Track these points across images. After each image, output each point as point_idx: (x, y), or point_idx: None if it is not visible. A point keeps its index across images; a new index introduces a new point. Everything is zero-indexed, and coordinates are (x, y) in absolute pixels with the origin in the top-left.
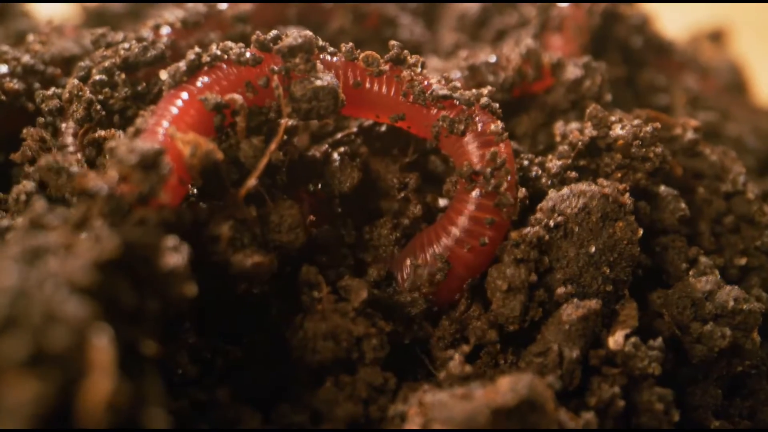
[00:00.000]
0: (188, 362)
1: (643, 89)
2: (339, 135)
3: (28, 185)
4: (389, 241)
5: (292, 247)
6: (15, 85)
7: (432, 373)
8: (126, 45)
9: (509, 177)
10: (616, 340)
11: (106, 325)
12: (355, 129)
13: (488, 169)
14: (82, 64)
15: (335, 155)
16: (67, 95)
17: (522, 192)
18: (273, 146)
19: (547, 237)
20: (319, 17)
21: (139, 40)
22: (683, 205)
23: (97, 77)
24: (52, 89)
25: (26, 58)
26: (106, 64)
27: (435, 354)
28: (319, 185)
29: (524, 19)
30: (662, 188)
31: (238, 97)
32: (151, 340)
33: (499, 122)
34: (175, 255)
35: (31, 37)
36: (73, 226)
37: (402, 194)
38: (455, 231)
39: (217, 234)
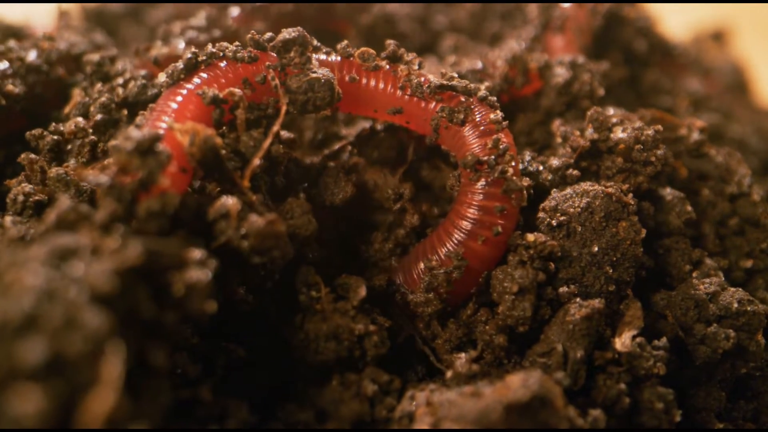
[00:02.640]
0: (189, 362)
1: (645, 90)
2: (336, 146)
3: (27, 187)
4: (384, 254)
5: (304, 233)
6: (16, 88)
7: (435, 372)
8: (122, 80)
9: (513, 163)
10: (623, 341)
11: (120, 340)
12: (351, 138)
13: (492, 156)
14: (80, 100)
15: (330, 165)
16: (71, 128)
17: (526, 181)
18: (275, 128)
19: (559, 253)
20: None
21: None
22: (689, 208)
23: (99, 117)
24: (44, 131)
25: (32, 57)
26: (103, 99)
27: (441, 357)
28: (312, 195)
29: (526, 19)
30: (668, 190)
31: (236, 90)
32: (162, 351)
33: (498, 111)
34: (199, 270)
35: (39, 33)
36: (100, 227)
37: (398, 205)
38: (466, 224)
39: (225, 210)
